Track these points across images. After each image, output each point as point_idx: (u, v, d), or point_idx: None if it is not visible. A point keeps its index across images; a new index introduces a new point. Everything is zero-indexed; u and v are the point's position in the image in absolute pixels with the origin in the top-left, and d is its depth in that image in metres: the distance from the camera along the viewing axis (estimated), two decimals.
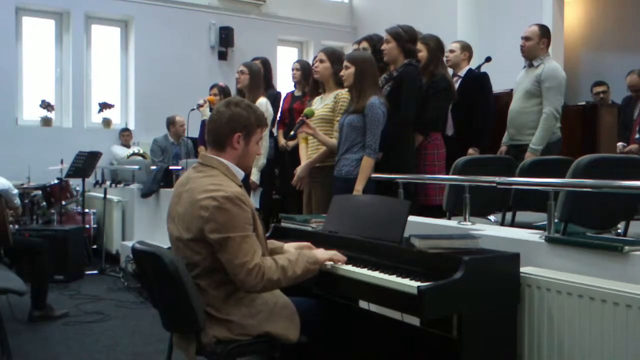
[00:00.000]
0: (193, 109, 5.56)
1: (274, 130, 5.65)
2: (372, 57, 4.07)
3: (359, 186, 3.78)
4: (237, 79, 5.30)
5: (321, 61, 4.34)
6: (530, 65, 4.65)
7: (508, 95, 5.08)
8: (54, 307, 4.74)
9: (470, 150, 4.57)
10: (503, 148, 4.79)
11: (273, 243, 2.73)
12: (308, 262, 2.38)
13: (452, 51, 5.00)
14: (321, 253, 2.49)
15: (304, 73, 5.42)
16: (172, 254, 2.29)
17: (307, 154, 4.36)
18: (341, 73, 3.97)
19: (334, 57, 4.33)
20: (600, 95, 6.71)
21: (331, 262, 2.47)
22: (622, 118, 6.00)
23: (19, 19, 8.29)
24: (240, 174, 2.46)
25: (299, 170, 4.28)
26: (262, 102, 5.02)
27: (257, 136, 2.47)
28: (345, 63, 3.93)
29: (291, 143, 5.19)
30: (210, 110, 5.41)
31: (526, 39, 4.63)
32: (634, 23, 7.57)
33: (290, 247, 2.71)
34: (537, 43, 4.60)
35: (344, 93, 4.20)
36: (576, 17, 8.16)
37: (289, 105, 5.53)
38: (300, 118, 4.10)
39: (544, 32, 4.63)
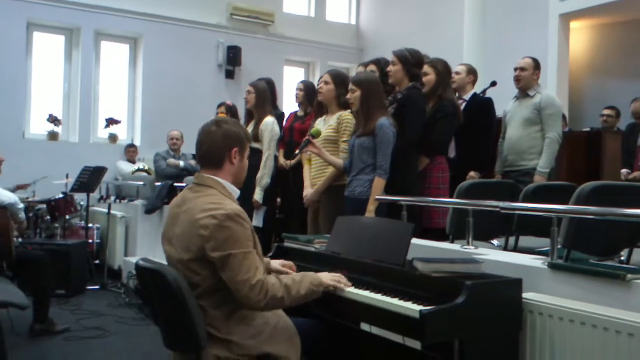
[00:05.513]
0: None
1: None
2: (377, 78, 4.09)
3: (371, 207, 3.79)
4: (245, 99, 5.35)
5: (326, 83, 4.38)
6: (525, 95, 4.80)
7: None
8: (55, 322, 4.73)
9: (471, 173, 4.58)
10: (498, 176, 4.83)
11: None
12: (312, 283, 2.39)
13: (457, 73, 5.04)
14: (325, 276, 2.49)
15: (307, 93, 5.46)
16: (176, 272, 2.29)
17: (310, 175, 4.38)
18: (348, 96, 4.00)
19: (339, 79, 4.37)
20: (604, 117, 6.73)
21: (334, 287, 2.47)
22: (626, 145, 6.02)
23: (29, 33, 8.39)
24: (236, 193, 2.48)
25: (310, 195, 4.30)
26: (269, 121, 5.06)
27: (247, 151, 2.52)
28: (351, 86, 3.95)
29: (290, 162, 5.21)
30: None
31: (522, 69, 4.81)
32: (639, 50, 7.61)
33: (276, 263, 2.75)
34: (532, 74, 4.81)
35: (347, 114, 4.25)
36: (581, 43, 8.21)
37: (290, 124, 5.56)
38: (306, 137, 4.12)
39: (537, 65, 4.85)
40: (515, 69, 4.83)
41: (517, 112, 4.81)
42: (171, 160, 7.48)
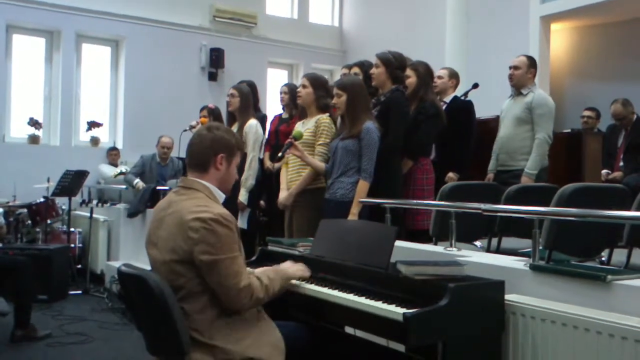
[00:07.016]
0: (185, 130, 5.57)
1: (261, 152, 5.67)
2: (361, 81, 4.11)
3: (355, 210, 3.80)
4: (227, 102, 5.35)
5: (304, 87, 4.39)
6: (519, 94, 4.77)
7: (495, 121, 5.14)
8: (37, 328, 4.68)
9: (450, 174, 4.60)
10: (490, 176, 4.84)
11: None
12: (283, 279, 2.53)
13: (439, 77, 5.07)
14: (290, 268, 2.65)
15: (292, 96, 5.47)
16: (158, 277, 2.28)
17: (287, 177, 4.37)
18: (334, 101, 4.01)
19: (317, 83, 4.38)
20: (585, 119, 6.80)
21: (298, 281, 2.62)
22: (607, 146, 6.08)
23: (9, 36, 8.29)
24: (222, 197, 2.49)
25: (283, 198, 4.28)
26: (252, 124, 5.08)
27: (237, 159, 2.53)
28: (336, 91, 3.96)
29: (277, 165, 5.21)
30: None
31: (515, 67, 4.78)
32: (619, 53, 7.69)
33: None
34: (526, 72, 4.76)
35: (324, 118, 4.28)
36: (562, 45, 8.29)
37: (275, 127, 5.57)
38: (289, 140, 4.12)
39: (532, 63, 4.80)
40: (510, 67, 4.81)
41: (510, 110, 4.80)
42: (139, 184, 7.12)
